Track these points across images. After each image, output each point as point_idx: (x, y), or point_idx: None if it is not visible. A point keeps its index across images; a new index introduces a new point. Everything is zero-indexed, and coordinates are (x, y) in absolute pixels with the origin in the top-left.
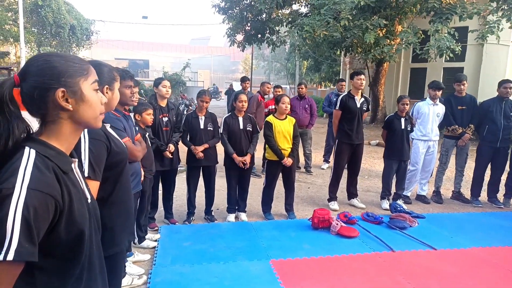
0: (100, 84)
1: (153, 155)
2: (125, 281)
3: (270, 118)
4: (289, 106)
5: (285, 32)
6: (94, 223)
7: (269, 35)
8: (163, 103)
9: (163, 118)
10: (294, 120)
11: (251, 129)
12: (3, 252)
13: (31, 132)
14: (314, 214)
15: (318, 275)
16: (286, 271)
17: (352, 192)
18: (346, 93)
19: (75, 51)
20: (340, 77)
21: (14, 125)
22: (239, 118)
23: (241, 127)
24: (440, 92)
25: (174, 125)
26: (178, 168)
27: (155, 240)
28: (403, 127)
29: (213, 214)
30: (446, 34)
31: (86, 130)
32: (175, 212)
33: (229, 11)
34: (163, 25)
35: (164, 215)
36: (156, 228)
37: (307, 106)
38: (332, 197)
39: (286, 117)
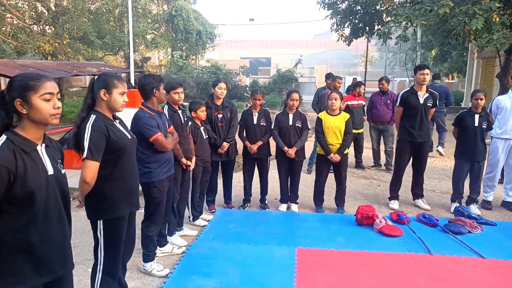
0: (104, 89)
1: (207, 147)
2: (166, 248)
3: (322, 114)
4: (336, 102)
5: (388, 22)
6: (53, 189)
7: (380, 27)
8: (218, 102)
9: (218, 115)
10: (347, 116)
11: (300, 125)
12: None
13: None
14: (358, 210)
15: (336, 267)
16: (307, 259)
17: (416, 193)
18: (409, 88)
19: (202, 53)
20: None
21: None
22: (289, 115)
23: (290, 123)
24: None
25: (229, 121)
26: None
27: (208, 220)
28: (476, 124)
29: (266, 202)
30: None
31: (90, 123)
32: (237, 199)
33: (335, 6)
34: (274, 24)
35: (224, 200)
36: (214, 210)
37: (389, 101)
38: (393, 196)
39: (339, 113)
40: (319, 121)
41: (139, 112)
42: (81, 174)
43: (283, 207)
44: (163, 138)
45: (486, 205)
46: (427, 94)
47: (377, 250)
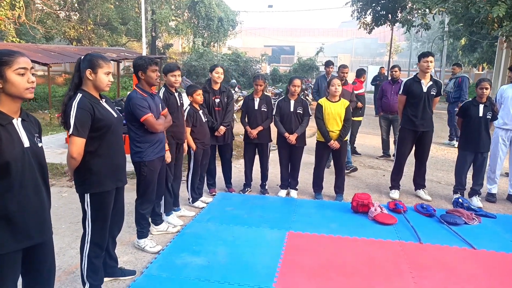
0: (89, 69)
1: (207, 130)
2: (162, 227)
3: (322, 100)
4: (339, 88)
5: (407, 9)
6: (29, 161)
7: (405, 14)
8: (216, 87)
9: (215, 100)
10: (347, 103)
11: (301, 112)
12: None
13: None
14: (354, 198)
15: (323, 251)
16: (296, 243)
17: (418, 183)
18: (412, 76)
19: (223, 41)
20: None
21: None
22: (291, 101)
23: (292, 109)
24: None
25: (226, 106)
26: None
27: (207, 203)
28: (481, 114)
29: (266, 188)
30: None
31: (76, 101)
32: (239, 183)
33: None
34: (296, 11)
35: (225, 185)
36: (214, 193)
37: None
38: (394, 185)
39: (339, 100)
40: (319, 107)
41: (131, 93)
42: (68, 150)
43: (283, 193)
44: (153, 119)
45: (490, 197)
46: (430, 83)
47: (367, 237)
